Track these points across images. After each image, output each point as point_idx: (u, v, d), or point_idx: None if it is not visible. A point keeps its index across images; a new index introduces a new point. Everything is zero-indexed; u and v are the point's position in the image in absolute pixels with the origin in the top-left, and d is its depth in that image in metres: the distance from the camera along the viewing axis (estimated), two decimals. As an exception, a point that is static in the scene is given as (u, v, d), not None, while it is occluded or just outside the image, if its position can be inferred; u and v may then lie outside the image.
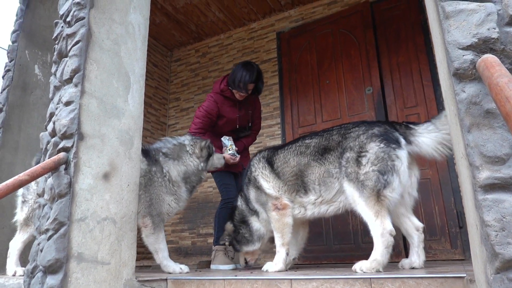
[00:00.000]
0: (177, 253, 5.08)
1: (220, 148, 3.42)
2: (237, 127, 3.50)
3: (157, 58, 5.82)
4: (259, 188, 2.68)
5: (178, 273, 2.55)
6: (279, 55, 5.08)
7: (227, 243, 3.04)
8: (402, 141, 2.24)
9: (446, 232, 3.62)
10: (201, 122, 3.37)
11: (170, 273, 2.57)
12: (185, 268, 2.63)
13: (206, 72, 5.67)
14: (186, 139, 2.97)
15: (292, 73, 4.92)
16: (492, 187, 1.11)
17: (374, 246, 2.14)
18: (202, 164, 2.92)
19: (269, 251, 4.33)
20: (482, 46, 1.21)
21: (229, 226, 2.91)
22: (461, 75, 1.23)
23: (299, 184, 2.52)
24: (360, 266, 2.09)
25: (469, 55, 1.22)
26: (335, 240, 4.11)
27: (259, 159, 2.76)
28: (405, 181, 2.19)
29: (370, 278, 1.87)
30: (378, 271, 2.05)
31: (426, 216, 3.72)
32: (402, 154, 2.20)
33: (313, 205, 2.50)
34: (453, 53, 1.25)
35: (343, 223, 4.10)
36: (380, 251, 2.10)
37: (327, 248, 4.12)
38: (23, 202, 3.10)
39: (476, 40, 1.22)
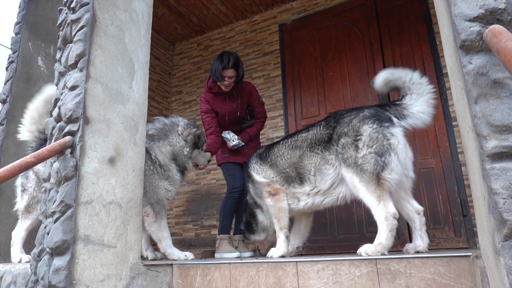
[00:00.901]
0: (181, 245, 5.09)
1: (224, 143, 3.48)
2: (226, 119, 3.53)
3: (159, 51, 5.83)
4: (253, 181, 2.76)
5: (183, 260, 2.56)
6: (282, 47, 5.08)
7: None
8: (394, 119, 2.24)
9: (450, 220, 3.62)
10: (208, 123, 3.51)
11: (175, 260, 2.58)
12: (190, 255, 2.64)
13: (208, 65, 5.67)
14: (181, 120, 2.97)
15: (295, 65, 4.92)
16: (499, 156, 1.11)
17: (378, 230, 2.15)
18: (187, 149, 2.90)
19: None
20: (489, 17, 1.22)
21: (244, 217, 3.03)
22: (468, 47, 1.23)
23: (293, 176, 2.54)
24: (365, 249, 2.09)
25: (476, 27, 1.23)
26: (339, 229, 4.11)
27: (254, 156, 2.84)
28: (403, 159, 2.18)
29: (376, 259, 1.87)
30: (383, 255, 2.05)
31: (429, 205, 3.72)
32: (397, 131, 2.19)
33: (307, 196, 2.50)
34: (460, 25, 1.25)
35: (347, 213, 4.11)
36: (384, 235, 2.10)
37: (331, 238, 4.12)
38: (23, 191, 3.13)
39: (483, 11, 1.22)
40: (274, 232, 2.88)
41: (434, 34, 4.14)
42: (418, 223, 2.34)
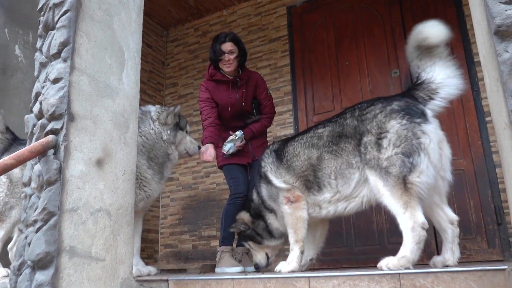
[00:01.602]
0: (176, 258, 5.13)
1: (225, 140, 3.48)
2: (229, 110, 3.55)
3: (151, 38, 5.85)
4: (269, 183, 2.72)
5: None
6: (290, 33, 5.08)
7: (238, 232, 3.07)
8: (429, 112, 2.20)
9: (482, 230, 3.62)
10: (207, 114, 3.50)
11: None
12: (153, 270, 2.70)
13: (207, 53, 5.60)
14: (152, 106, 2.98)
15: (306, 53, 4.92)
16: (540, 156, 1.12)
17: (403, 241, 2.13)
18: (167, 132, 2.88)
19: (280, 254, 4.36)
20: (528, -1, 1.23)
21: (245, 215, 2.94)
22: (503, 33, 1.24)
23: (311, 180, 2.53)
24: (387, 262, 2.08)
25: (512, 10, 1.24)
26: (357, 240, 4.12)
27: (269, 153, 2.80)
28: (436, 160, 2.14)
29: (399, 273, 1.88)
30: (407, 269, 2.05)
31: (459, 212, 3.69)
32: (430, 128, 2.15)
33: (328, 203, 2.49)
34: (494, 8, 1.26)
35: (366, 221, 4.11)
36: (410, 247, 2.08)
37: (348, 250, 4.14)
38: None
39: (521, -7, 1.23)
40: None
41: (464, 17, 4.14)
42: (450, 234, 2.30)
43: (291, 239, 2.59)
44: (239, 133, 3.46)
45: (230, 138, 3.43)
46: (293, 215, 2.57)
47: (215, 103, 3.55)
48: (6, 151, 3.15)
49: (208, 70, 3.62)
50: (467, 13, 4.12)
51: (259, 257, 2.96)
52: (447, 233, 2.33)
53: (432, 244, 3.72)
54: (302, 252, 2.58)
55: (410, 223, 2.09)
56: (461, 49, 4.09)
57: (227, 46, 3.46)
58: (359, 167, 2.33)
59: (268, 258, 2.96)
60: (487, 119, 3.80)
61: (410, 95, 2.31)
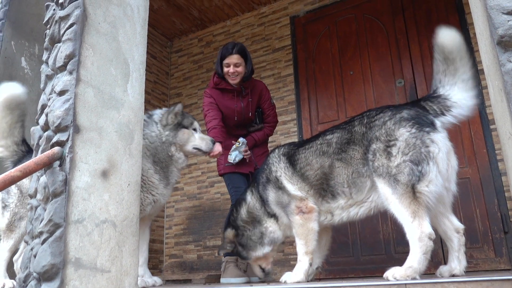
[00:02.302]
0: (181, 268, 5.12)
1: (228, 148, 3.47)
2: (236, 119, 3.55)
3: (155, 49, 5.90)
4: (281, 188, 2.67)
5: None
6: (294, 43, 5.11)
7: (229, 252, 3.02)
8: (438, 123, 2.21)
9: (489, 238, 3.59)
10: (211, 114, 3.45)
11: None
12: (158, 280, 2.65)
13: (211, 63, 5.73)
14: (159, 110, 2.99)
15: (310, 63, 4.95)
16: (545, 166, 1.12)
17: (410, 251, 2.12)
18: (166, 133, 2.86)
19: (281, 263, 4.35)
20: (530, 9, 1.23)
21: (229, 232, 2.90)
22: (506, 43, 1.24)
23: (325, 189, 2.51)
24: (393, 273, 2.07)
25: (515, 21, 1.24)
26: (363, 250, 4.10)
27: (279, 157, 2.76)
28: (444, 170, 2.15)
29: (406, 284, 1.87)
30: (413, 279, 2.04)
31: (465, 221, 3.69)
32: (439, 137, 2.16)
33: (341, 210, 2.49)
34: (497, 19, 1.26)
35: (372, 231, 4.09)
36: (417, 257, 2.07)
37: (354, 260, 4.11)
38: (4, 207, 3.17)
39: (523, 3, 1.23)
40: (278, 247, 2.87)
41: (467, 26, 4.15)
42: (456, 243, 2.30)
43: (301, 250, 2.56)
44: (241, 139, 3.46)
45: (234, 146, 3.43)
46: (304, 226, 2.54)
47: (219, 108, 3.54)
48: (19, 162, 3.16)
49: (213, 79, 3.61)
50: (470, 21, 4.13)
51: (256, 270, 2.95)
52: (453, 241, 2.33)
53: (439, 253, 3.69)
54: (311, 264, 2.55)
55: (418, 233, 2.08)
56: (465, 57, 4.09)
57: (233, 59, 3.45)
58: (369, 175, 2.33)
59: (263, 269, 2.93)
60: (491, 127, 3.80)
61: (421, 105, 2.33)
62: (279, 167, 2.72)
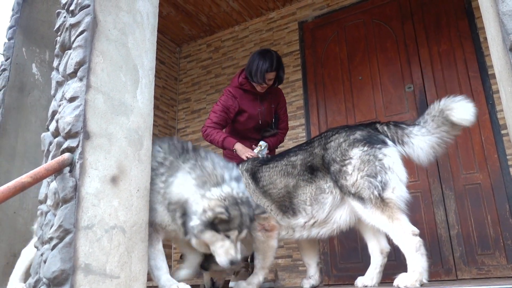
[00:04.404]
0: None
1: (249, 147, 3.41)
2: (260, 122, 3.53)
3: (164, 54, 5.93)
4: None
5: None
6: (302, 48, 5.11)
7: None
8: (388, 141, 2.31)
9: (501, 245, 3.54)
10: (217, 117, 3.43)
11: None
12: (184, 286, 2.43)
13: (220, 68, 5.74)
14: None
15: (318, 68, 4.94)
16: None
17: (405, 255, 2.18)
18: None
19: (293, 269, 4.32)
20: (543, 15, 1.21)
21: None
22: (519, 49, 1.23)
23: (287, 206, 2.56)
24: (402, 280, 2.11)
25: (528, 26, 1.22)
26: (371, 256, 4.06)
27: (242, 173, 2.76)
28: (404, 178, 2.24)
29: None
30: (421, 283, 2.05)
31: (476, 227, 3.65)
32: (390, 151, 2.27)
33: (302, 228, 2.54)
34: (509, 24, 1.25)
35: (380, 236, 4.06)
36: (415, 259, 2.12)
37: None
38: None
39: (536, 9, 1.22)
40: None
41: (477, 30, 4.12)
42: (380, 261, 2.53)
43: (258, 264, 2.62)
44: (262, 143, 3.44)
45: (257, 150, 3.40)
46: (265, 243, 2.59)
47: (233, 114, 3.48)
48: None
49: (238, 78, 3.55)
50: (480, 25, 4.10)
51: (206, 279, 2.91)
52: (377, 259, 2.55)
53: (450, 260, 3.64)
54: (263, 280, 2.62)
55: (401, 233, 2.16)
56: (475, 62, 4.07)
57: (270, 75, 3.40)
58: (332, 191, 2.41)
59: (213, 282, 2.86)
60: (502, 132, 3.76)
61: (375, 127, 2.43)
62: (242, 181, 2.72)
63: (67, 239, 1.93)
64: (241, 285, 2.57)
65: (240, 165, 2.83)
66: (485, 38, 2.07)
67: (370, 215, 2.22)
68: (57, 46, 2.46)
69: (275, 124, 3.69)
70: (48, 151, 2.28)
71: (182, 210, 2.25)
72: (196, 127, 5.65)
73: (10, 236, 3.52)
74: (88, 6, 2.29)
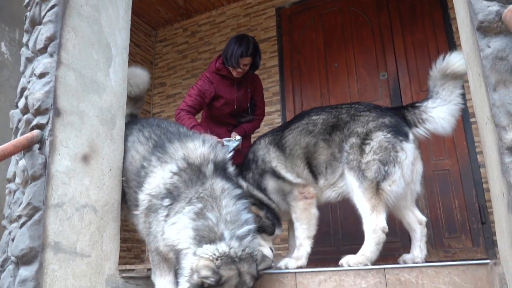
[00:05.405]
0: (163, 258, 5.09)
1: (218, 136, 3.39)
2: (235, 108, 3.52)
3: (139, 37, 5.83)
4: (280, 178, 2.66)
5: None
6: (279, 34, 5.10)
7: None
8: (411, 136, 2.38)
9: (467, 228, 3.66)
10: (192, 101, 3.39)
11: None
12: None
13: (196, 53, 5.68)
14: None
15: (295, 54, 4.94)
16: (520, 148, 1.14)
17: (365, 241, 2.29)
18: None
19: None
20: (509, -5, 1.25)
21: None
22: (485, 29, 1.26)
23: (313, 165, 2.59)
24: (347, 260, 2.21)
25: (494, 6, 1.26)
26: (344, 240, 4.14)
27: (266, 147, 2.74)
28: (408, 175, 2.32)
29: (384, 268, 1.91)
30: (365, 266, 2.13)
31: (444, 211, 3.75)
32: (408, 147, 2.33)
33: (320, 190, 2.58)
34: (477, 4, 1.28)
35: (353, 221, 4.10)
36: (370, 247, 2.25)
37: (335, 249, 4.15)
38: None
39: (502, -11, 1.25)
40: None
41: (450, 20, 4.19)
42: (419, 233, 2.48)
43: (302, 234, 2.59)
44: (238, 137, 3.39)
45: (231, 140, 3.35)
46: (307, 211, 2.60)
47: (208, 99, 3.43)
48: None
49: (215, 63, 3.50)
50: (453, 16, 4.17)
51: None
52: (416, 232, 2.49)
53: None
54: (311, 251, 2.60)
55: (373, 225, 2.27)
56: (447, 51, 4.12)
57: (245, 60, 3.36)
58: (341, 161, 2.47)
59: None
60: (471, 120, 3.86)
61: (402, 114, 2.49)
62: (272, 157, 2.70)
63: (36, 216, 1.90)
64: (289, 262, 2.51)
65: (262, 140, 2.81)
66: (457, 29, 2.13)
67: (360, 195, 2.30)
68: (27, 21, 2.39)
69: (251, 110, 3.68)
70: (17, 129, 2.23)
71: (176, 255, 1.99)
72: (171, 112, 5.59)
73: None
74: (59, -20, 2.23)
